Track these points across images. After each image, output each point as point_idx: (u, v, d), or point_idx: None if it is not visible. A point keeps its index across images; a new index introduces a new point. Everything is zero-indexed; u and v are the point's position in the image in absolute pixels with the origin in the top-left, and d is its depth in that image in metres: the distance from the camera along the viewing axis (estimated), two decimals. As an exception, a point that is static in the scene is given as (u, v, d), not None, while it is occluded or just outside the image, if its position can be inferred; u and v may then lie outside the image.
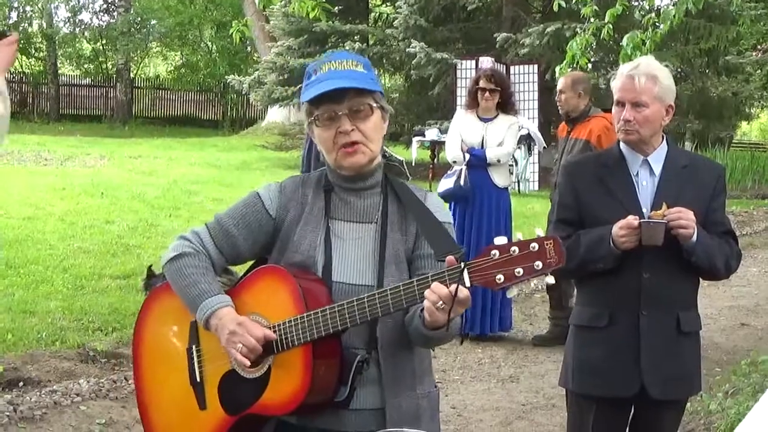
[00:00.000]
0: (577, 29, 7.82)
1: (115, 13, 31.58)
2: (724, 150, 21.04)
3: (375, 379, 2.29)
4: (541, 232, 2.11)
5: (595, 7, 6.37)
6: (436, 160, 14.76)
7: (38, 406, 4.71)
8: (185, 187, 13.42)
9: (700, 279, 3.22)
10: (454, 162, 6.89)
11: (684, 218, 2.95)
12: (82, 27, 33.14)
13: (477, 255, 2.09)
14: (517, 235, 2.10)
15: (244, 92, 21.58)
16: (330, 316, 2.19)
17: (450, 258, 2.13)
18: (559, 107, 6.54)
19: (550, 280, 2.07)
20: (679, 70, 17.26)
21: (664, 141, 3.16)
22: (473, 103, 6.85)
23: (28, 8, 32.06)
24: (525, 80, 14.92)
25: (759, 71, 20.67)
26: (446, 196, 6.68)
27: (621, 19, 6.86)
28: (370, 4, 20.95)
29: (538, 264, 2.04)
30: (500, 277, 2.06)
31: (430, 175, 13.21)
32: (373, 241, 2.33)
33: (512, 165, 7.84)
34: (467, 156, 6.74)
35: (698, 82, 18.15)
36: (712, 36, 16.58)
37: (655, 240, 2.94)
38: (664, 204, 2.98)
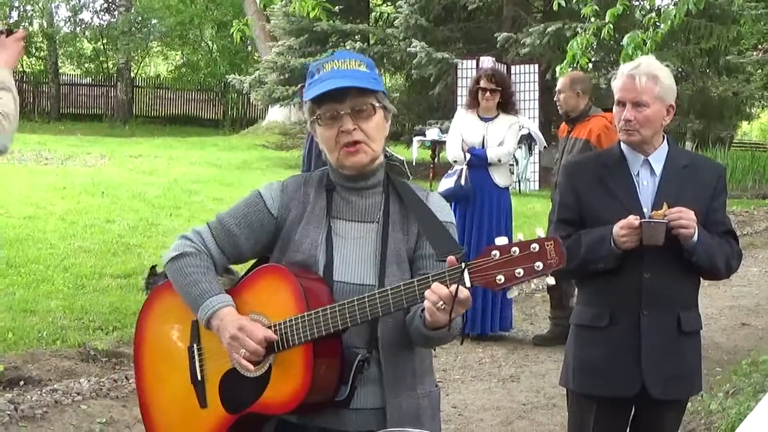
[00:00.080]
0: (578, 29, 7.84)
1: (116, 13, 31.60)
2: (724, 150, 21.03)
3: (375, 379, 2.29)
4: (541, 232, 2.11)
5: (596, 7, 6.37)
6: (436, 159, 14.77)
7: (39, 405, 4.72)
8: (186, 187, 13.43)
9: (701, 279, 3.22)
10: (455, 162, 6.89)
11: (685, 218, 2.95)
12: (83, 26, 33.16)
13: (478, 255, 2.09)
14: (518, 236, 2.10)
15: (244, 92, 21.59)
16: (331, 316, 2.19)
17: (451, 258, 2.13)
18: (558, 107, 6.55)
19: (551, 281, 2.07)
20: (680, 69, 17.26)
21: (665, 141, 3.16)
22: (474, 103, 6.86)
23: (28, 7, 32.07)
24: (526, 80, 14.94)
25: (759, 71, 20.68)
26: (447, 196, 6.66)
27: (621, 19, 6.85)
28: (370, 4, 20.95)
29: (539, 265, 2.04)
30: (501, 278, 2.06)
31: (431, 175, 13.20)
32: (375, 241, 2.33)
33: (513, 165, 7.85)
34: (468, 156, 6.74)
35: (699, 82, 18.14)
36: (712, 36, 16.58)
37: (655, 240, 2.94)
38: (665, 204, 2.98)
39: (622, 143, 3.15)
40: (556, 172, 6.30)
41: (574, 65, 6.44)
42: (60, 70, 31.74)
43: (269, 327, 2.25)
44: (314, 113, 2.32)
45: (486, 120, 6.81)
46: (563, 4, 6.34)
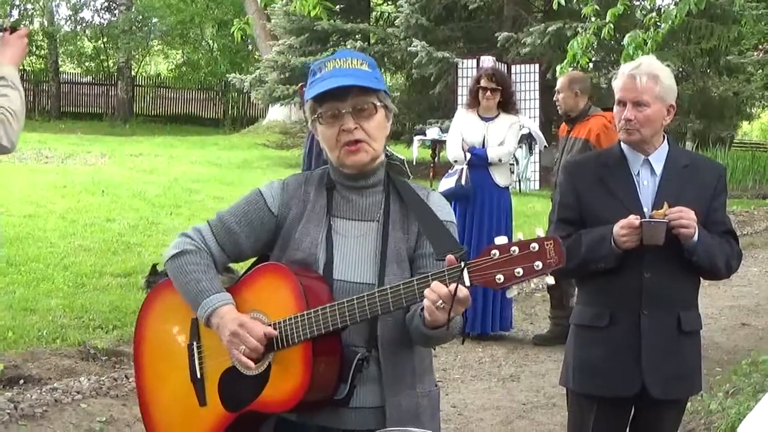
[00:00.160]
0: (579, 29, 7.84)
1: (117, 11, 31.58)
2: (725, 150, 21.03)
3: (375, 378, 2.29)
4: (541, 231, 2.11)
5: (596, 7, 6.37)
6: (437, 159, 14.78)
7: (39, 404, 4.71)
8: (186, 186, 13.43)
9: (701, 279, 3.22)
10: (455, 161, 6.89)
11: (685, 218, 2.95)
12: (84, 25, 33.17)
13: (477, 255, 2.10)
14: (518, 235, 2.10)
15: (245, 91, 21.61)
16: (330, 314, 2.19)
17: (450, 257, 2.13)
18: (557, 107, 6.55)
19: (550, 280, 2.07)
20: (681, 69, 17.26)
21: (665, 141, 3.16)
22: (474, 103, 6.86)
23: (29, 6, 32.08)
24: (526, 79, 14.93)
25: (760, 71, 20.68)
26: (447, 196, 6.65)
27: (622, 19, 6.85)
28: (371, 3, 20.95)
29: (538, 264, 2.04)
30: (500, 277, 2.06)
31: (431, 174, 13.21)
32: (375, 240, 2.33)
33: (513, 164, 7.86)
34: (468, 155, 6.74)
35: (699, 82, 18.15)
36: (713, 36, 16.57)
37: (656, 239, 2.94)
38: (666, 203, 2.98)
39: (622, 143, 3.15)
40: (556, 171, 6.30)
41: (575, 65, 6.44)
42: (60, 69, 31.76)
43: (269, 325, 2.25)
44: (315, 112, 2.32)
45: (486, 119, 6.81)
46: (563, 3, 6.33)
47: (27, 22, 30.85)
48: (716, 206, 3.14)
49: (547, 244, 2.04)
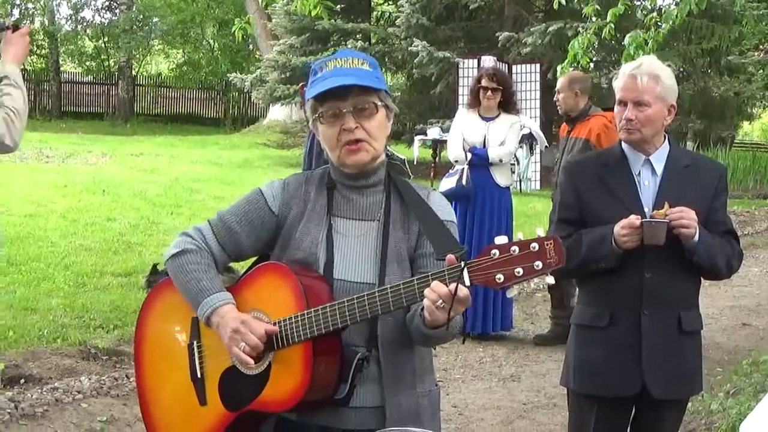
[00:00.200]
0: (579, 28, 7.84)
1: (118, 11, 31.57)
2: (725, 150, 21.01)
3: (375, 377, 2.29)
4: (541, 231, 2.11)
5: (597, 7, 6.37)
6: (437, 159, 14.78)
7: (39, 404, 4.71)
8: (187, 185, 13.43)
9: (702, 279, 3.22)
10: (456, 161, 6.89)
11: (686, 218, 2.95)
12: (84, 24, 33.14)
13: (477, 254, 2.10)
14: (518, 235, 2.10)
15: (246, 90, 21.60)
16: (330, 314, 2.19)
17: (450, 257, 2.13)
18: (557, 107, 6.55)
19: (550, 280, 2.07)
20: (682, 69, 17.26)
21: (666, 141, 3.16)
22: (475, 102, 6.85)
23: (30, 5, 32.07)
24: (527, 79, 14.92)
25: (761, 71, 20.67)
26: (448, 196, 6.63)
27: (623, 19, 6.84)
28: (372, 3, 20.94)
29: (538, 264, 2.04)
30: (500, 277, 2.06)
31: (432, 174, 13.20)
32: (375, 239, 2.33)
33: (514, 164, 7.84)
34: (469, 155, 6.74)
35: (700, 82, 18.14)
36: (714, 36, 16.56)
37: (656, 239, 2.94)
38: (666, 203, 2.98)
39: (623, 143, 3.15)
40: (556, 171, 6.30)
41: (576, 65, 6.44)
42: (61, 68, 31.74)
43: (270, 324, 2.25)
44: (316, 111, 2.32)
45: (487, 119, 6.81)
46: (563, 2, 6.33)
47: (28, 21, 30.88)
48: (717, 206, 3.14)
49: (547, 244, 2.04)
